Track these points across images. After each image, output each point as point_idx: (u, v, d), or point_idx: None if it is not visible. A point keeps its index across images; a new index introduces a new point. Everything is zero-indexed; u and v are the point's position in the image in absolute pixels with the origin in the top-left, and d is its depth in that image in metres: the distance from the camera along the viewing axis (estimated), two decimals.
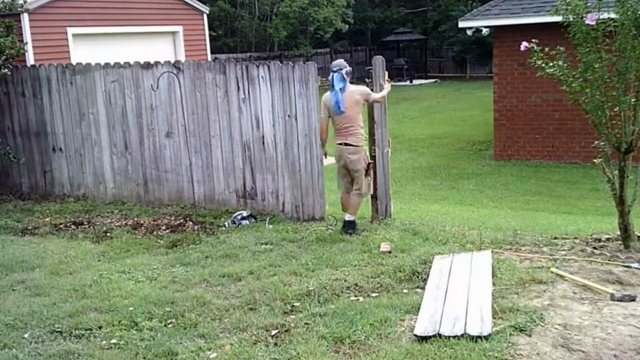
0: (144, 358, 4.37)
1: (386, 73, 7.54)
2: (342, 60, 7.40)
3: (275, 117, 8.03)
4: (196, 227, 7.82)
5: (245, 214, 8.04)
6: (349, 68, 7.20)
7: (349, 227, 7.21)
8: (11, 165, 10.10)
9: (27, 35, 12.28)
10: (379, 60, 7.53)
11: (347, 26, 33.40)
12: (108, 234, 7.86)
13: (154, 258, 6.72)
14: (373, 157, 7.62)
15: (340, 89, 7.04)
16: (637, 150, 5.87)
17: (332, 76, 7.12)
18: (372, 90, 7.47)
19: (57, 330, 4.90)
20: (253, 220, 8.00)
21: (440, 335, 4.25)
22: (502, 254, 6.10)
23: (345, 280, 5.54)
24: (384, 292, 5.30)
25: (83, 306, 5.32)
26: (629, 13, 5.54)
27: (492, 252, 6.08)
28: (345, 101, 7.03)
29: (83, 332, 4.85)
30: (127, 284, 5.83)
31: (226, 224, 7.91)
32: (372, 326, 4.54)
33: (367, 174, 7.31)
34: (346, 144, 7.14)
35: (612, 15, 5.65)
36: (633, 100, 5.69)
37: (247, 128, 8.25)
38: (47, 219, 8.72)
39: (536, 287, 5.12)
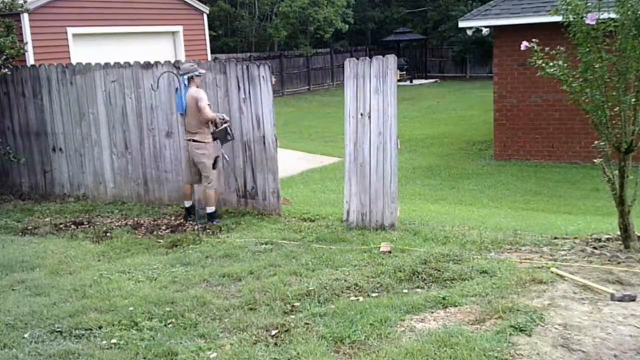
0: (144, 358, 4.37)
1: (398, 72, 7.50)
2: (188, 65, 8.17)
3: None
4: (196, 227, 7.82)
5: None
6: (195, 72, 7.94)
7: (212, 217, 8.03)
8: (11, 165, 10.10)
9: (27, 35, 12.27)
10: (391, 59, 7.37)
11: (347, 26, 33.38)
12: (108, 234, 7.86)
13: (154, 258, 6.72)
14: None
15: (184, 92, 7.93)
16: (637, 150, 5.87)
17: (179, 80, 8.05)
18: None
19: (57, 330, 4.89)
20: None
21: None
22: (502, 254, 6.10)
23: (345, 280, 5.54)
24: (384, 292, 5.30)
25: (83, 306, 5.32)
26: (629, 13, 5.54)
27: (492, 251, 6.09)
28: (187, 103, 7.91)
29: (83, 332, 4.84)
30: (127, 284, 5.83)
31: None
32: (372, 326, 4.54)
33: (214, 167, 8.06)
34: (194, 140, 7.95)
35: (612, 15, 5.65)
36: (633, 100, 5.69)
37: (248, 128, 8.24)
38: (47, 219, 8.72)
39: (536, 287, 5.12)
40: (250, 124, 8.23)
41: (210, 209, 8.03)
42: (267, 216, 8.12)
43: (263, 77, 8.07)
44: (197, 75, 7.98)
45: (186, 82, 7.94)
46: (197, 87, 8.00)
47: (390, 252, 6.29)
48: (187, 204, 8.31)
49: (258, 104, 8.15)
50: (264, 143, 8.16)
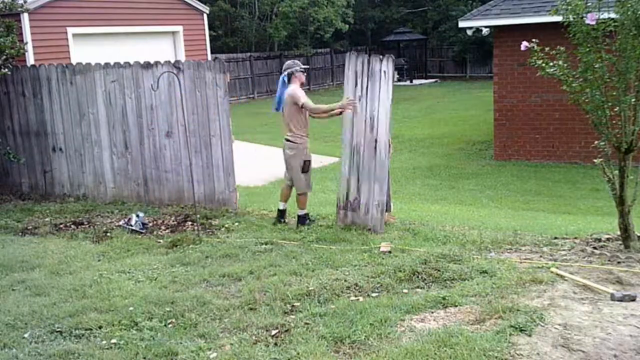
0: (144, 358, 4.37)
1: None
2: (290, 61, 7.66)
3: None
4: (196, 227, 7.82)
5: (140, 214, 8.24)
6: (295, 68, 7.44)
7: (302, 220, 7.65)
8: (11, 165, 10.11)
9: (27, 35, 12.30)
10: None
11: (347, 26, 33.38)
12: (108, 234, 7.86)
13: (154, 258, 6.72)
14: None
15: (281, 90, 7.52)
16: (637, 150, 5.87)
17: (281, 78, 7.58)
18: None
19: (57, 330, 4.90)
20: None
21: None
22: (502, 254, 6.10)
23: (345, 280, 5.54)
24: (384, 292, 5.30)
25: (83, 306, 5.32)
26: (629, 13, 5.54)
27: (492, 251, 6.08)
28: (284, 101, 7.47)
29: (83, 332, 4.85)
30: (127, 284, 5.83)
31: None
32: (372, 326, 4.54)
33: (303, 171, 7.53)
34: (285, 139, 7.53)
35: (612, 15, 5.65)
36: (633, 100, 5.69)
37: (359, 129, 7.71)
38: (47, 219, 8.72)
39: (536, 287, 5.12)
40: (362, 125, 7.28)
41: (301, 212, 7.62)
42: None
43: (384, 72, 7.11)
44: (298, 72, 7.42)
45: (286, 80, 7.42)
46: (302, 84, 7.47)
47: (390, 252, 6.29)
48: (281, 206, 7.77)
49: (375, 103, 7.19)
50: (375, 148, 7.24)
